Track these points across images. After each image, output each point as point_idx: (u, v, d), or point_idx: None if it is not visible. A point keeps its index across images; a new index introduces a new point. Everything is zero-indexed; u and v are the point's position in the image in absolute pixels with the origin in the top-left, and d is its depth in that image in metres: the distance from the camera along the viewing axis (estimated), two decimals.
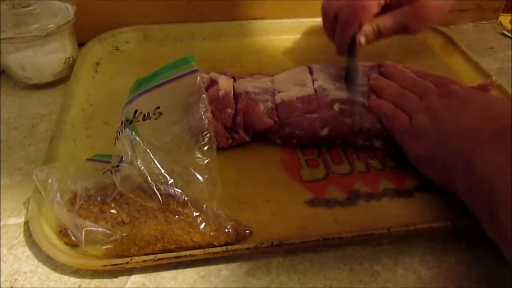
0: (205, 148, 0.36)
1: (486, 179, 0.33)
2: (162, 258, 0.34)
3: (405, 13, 0.50)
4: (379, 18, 0.51)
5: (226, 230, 0.36)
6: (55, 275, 0.35)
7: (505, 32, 0.73)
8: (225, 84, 0.47)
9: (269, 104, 0.46)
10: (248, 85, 0.47)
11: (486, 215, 0.33)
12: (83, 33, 0.59)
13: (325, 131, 0.45)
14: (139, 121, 0.37)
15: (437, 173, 0.40)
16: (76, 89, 0.52)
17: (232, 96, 0.46)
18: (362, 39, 0.51)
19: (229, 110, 0.45)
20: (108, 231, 0.35)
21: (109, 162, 0.37)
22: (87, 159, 0.39)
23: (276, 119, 0.45)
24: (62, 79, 0.56)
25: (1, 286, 0.34)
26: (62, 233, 0.36)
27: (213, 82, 0.47)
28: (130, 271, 0.35)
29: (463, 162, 0.36)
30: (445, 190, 0.40)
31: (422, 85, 0.45)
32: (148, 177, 0.35)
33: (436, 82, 0.45)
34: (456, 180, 0.37)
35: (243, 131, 0.45)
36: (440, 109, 0.41)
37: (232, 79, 0.49)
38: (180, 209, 0.35)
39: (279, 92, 0.47)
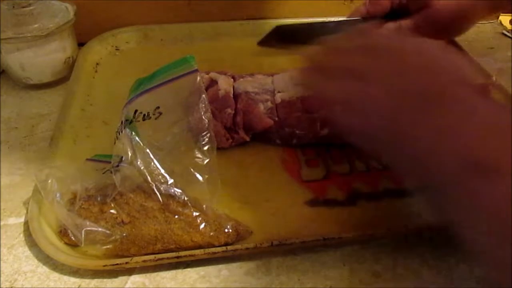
0: (205, 148, 0.36)
1: (424, 162, 0.28)
2: (162, 258, 0.34)
3: (421, 16, 0.49)
4: (402, 19, 0.50)
5: (226, 230, 0.36)
6: (55, 275, 0.35)
7: (505, 32, 0.73)
8: (224, 84, 0.47)
9: (269, 104, 0.46)
10: (248, 85, 0.47)
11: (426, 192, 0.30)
12: (83, 33, 0.59)
13: (325, 131, 0.45)
14: (139, 121, 0.37)
15: (369, 143, 0.34)
16: (76, 89, 0.52)
17: (232, 96, 0.46)
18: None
19: (229, 110, 0.45)
20: (108, 231, 0.35)
21: (109, 162, 0.37)
22: (87, 159, 0.39)
23: (276, 119, 0.45)
24: (62, 79, 0.56)
25: (1, 286, 0.34)
26: (62, 233, 0.36)
27: (213, 82, 0.47)
28: (130, 271, 0.35)
29: (388, 135, 0.30)
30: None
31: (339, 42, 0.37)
32: (148, 177, 0.35)
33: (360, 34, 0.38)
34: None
35: (243, 131, 0.45)
36: (363, 70, 0.33)
37: (232, 79, 0.49)
38: (180, 209, 0.35)
39: (279, 92, 0.47)
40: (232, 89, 0.47)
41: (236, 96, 0.46)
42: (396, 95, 0.30)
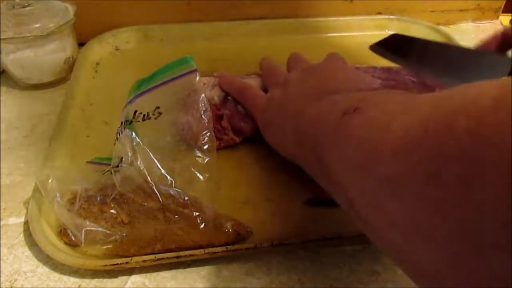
0: (205, 147, 0.36)
1: (311, 129, 0.33)
2: (162, 258, 0.34)
3: None
4: None
5: (226, 230, 0.36)
6: (55, 275, 0.35)
7: None
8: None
9: None
10: None
11: (313, 161, 0.33)
12: (83, 33, 0.59)
13: None
14: (139, 121, 0.37)
15: (273, 137, 0.40)
16: (76, 89, 0.52)
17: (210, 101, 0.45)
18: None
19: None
20: (108, 231, 0.35)
21: (109, 164, 0.37)
22: (87, 162, 0.39)
23: None
24: (62, 79, 0.56)
25: (1, 286, 0.34)
26: (62, 233, 0.36)
27: None
28: (130, 271, 0.35)
29: (293, 121, 0.35)
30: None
31: (298, 62, 0.45)
32: (148, 177, 0.35)
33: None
34: (286, 140, 0.37)
35: (231, 133, 0.45)
36: (293, 80, 0.39)
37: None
38: (180, 209, 0.35)
39: None
40: (219, 93, 0.47)
41: (224, 99, 0.46)
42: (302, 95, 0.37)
